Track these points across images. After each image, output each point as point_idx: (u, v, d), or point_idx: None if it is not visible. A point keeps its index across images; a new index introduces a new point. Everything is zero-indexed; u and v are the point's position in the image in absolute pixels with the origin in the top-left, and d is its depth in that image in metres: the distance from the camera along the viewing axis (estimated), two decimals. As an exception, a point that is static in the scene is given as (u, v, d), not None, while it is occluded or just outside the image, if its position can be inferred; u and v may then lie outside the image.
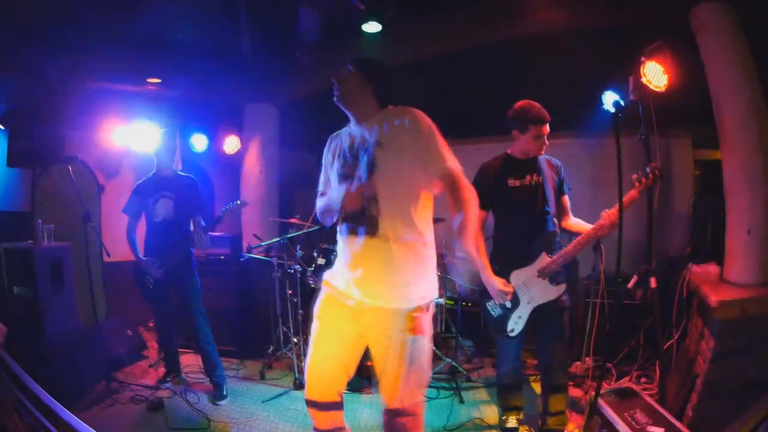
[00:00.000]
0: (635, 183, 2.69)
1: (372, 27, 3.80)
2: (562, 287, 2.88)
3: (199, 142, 4.64)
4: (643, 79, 3.23)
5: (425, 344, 2.14)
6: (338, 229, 2.24)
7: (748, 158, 2.98)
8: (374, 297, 2.11)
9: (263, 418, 3.46)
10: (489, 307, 2.95)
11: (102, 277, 4.64)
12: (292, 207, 5.25)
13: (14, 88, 3.85)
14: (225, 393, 3.75)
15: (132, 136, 4.28)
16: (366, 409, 3.59)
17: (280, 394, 3.82)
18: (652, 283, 3.25)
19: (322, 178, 2.39)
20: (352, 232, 2.15)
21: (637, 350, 3.64)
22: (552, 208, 2.91)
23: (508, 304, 2.87)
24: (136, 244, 3.74)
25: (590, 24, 3.53)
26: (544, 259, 2.85)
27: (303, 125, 4.90)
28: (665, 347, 3.32)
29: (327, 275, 2.32)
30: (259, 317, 4.65)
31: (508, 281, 2.83)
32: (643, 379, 3.47)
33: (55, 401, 2.42)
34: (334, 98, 2.23)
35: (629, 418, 2.71)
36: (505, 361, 3.11)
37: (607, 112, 3.59)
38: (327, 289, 2.27)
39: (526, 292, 2.87)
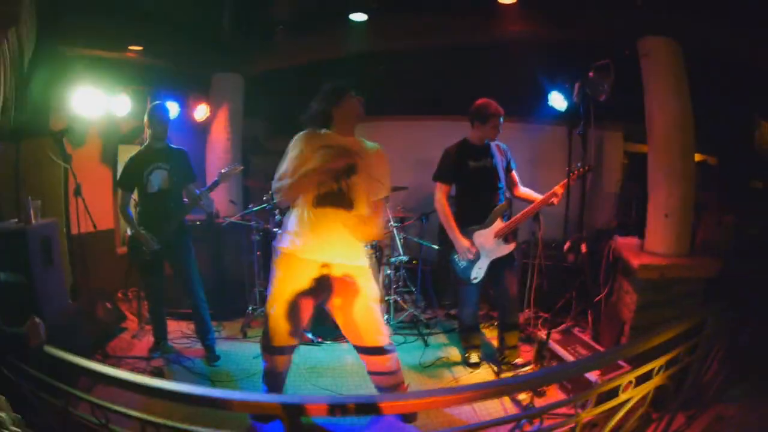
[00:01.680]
0: (572, 172, 3.57)
1: (359, 16, 4.03)
2: (513, 245, 3.77)
3: (171, 109, 4.58)
4: (587, 90, 3.92)
5: None
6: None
7: (670, 161, 3.77)
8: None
9: (259, 372, 3.64)
10: (456, 260, 3.72)
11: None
12: (251, 171, 5.43)
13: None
14: (218, 354, 4.02)
15: (102, 105, 4.15)
16: (348, 355, 4.04)
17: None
18: (583, 248, 4.13)
19: (287, 167, 2.71)
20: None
21: (570, 304, 4.45)
22: (503, 183, 3.78)
23: (472, 258, 3.62)
24: (132, 216, 3.79)
25: (550, 36, 4.09)
26: (498, 224, 3.66)
27: (264, 96, 5.02)
28: (596, 300, 4.18)
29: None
30: (234, 280, 4.89)
31: (471, 241, 3.63)
32: (576, 329, 4.26)
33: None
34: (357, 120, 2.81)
35: (573, 351, 3.57)
36: (467, 304, 3.92)
37: (550, 106, 4.31)
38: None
39: (486, 249, 3.66)
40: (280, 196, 2.75)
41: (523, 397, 3.28)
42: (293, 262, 2.76)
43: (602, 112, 3.97)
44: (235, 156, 5.19)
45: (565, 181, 3.57)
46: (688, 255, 3.81)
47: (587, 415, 1.83)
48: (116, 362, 3.86)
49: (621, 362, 3.00)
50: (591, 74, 3.86)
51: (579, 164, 3.71)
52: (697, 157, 4.15)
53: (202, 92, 4.95)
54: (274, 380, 2.99)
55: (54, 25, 3.64)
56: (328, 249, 2.72)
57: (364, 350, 2.91)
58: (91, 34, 3.85)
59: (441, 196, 3.68)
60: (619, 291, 4.09)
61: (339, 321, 2.91)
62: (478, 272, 3.68)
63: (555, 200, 3.60)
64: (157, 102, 3.88)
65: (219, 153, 5.17)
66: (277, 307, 2.79)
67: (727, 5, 3.31)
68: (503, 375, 3.80)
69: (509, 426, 1.88)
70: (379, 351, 2.88)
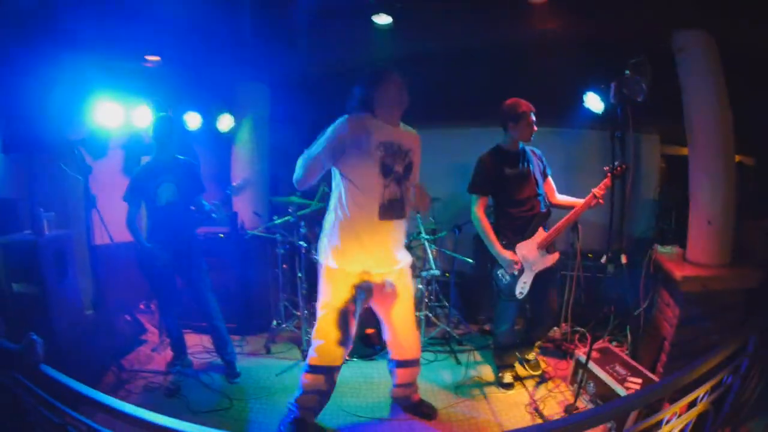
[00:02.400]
0: (608, 173, 3.28)
1: (382, 19, 3.91)
2: (556, 255, 3.57)
3: (193, 120, 4.52)
4: (624, 90, 3.71)
5: None
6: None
7: (711, 163, 3.56)
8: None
9: (282, 390, 3.62)
10: (500, 275, 3.50)
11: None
12: (277, 183, 5.32)
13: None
14: (238, 370, 3.88)
15: (122, 115, 4.10)
16: (374, 372, 3.92)
17: (291, 367, 4.01)
18: (623, 259, 3.88)
19: (325, 149, 2.60)
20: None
21: (607, 318, 4.19)
22: (542, 189, 3.55)
23: (516, 273, 3.41)
24: (138, 231, 3.69)
25: (582, 34, 3.91)
26: (541, 234, 3.47)
27: (291, 104, 4.93)
28: (635, 314, 3.93)
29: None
30: (258, 293, 4.75)
31: (515, 253, 3.43)
32: (614, 344, 4.04)
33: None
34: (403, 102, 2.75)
35: (611, 371, 3.31)
36: (505, 321, 3.66)
37: (584, 109, 4.11)
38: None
39: (529, 262, 3.46)
40: (305, 174, 2.68)
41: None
42: (342, 278, 2.75)
43: (638, 114, 3.75)
44: (262, 167, 5.11)
45: (605, 181, 3.30)
46: (731, 265, 3.57)
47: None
48: (133, 375, 3.79)
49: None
50: (628, 73, 3.65)
51: (616, 163, 3.37)
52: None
53: (226, 102, 4.88)
54: (313, 402, 2.97)
55: (70, 34, 3.65)
56: (378, 260, 2.76)
57: (403, 364, 2.97)
58: (109, 44, 3.80)
59: (478, 209, 3.45)
60: (659, 304, 3.84)
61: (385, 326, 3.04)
62: (523, 287, 3.49)
63: (599, 201, 3.35)
64: (162, 114, 3.82)
65: (244, 164, 5.09)
66: (328, 325, 2.79)
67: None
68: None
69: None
70: (415, 363, 3.00)
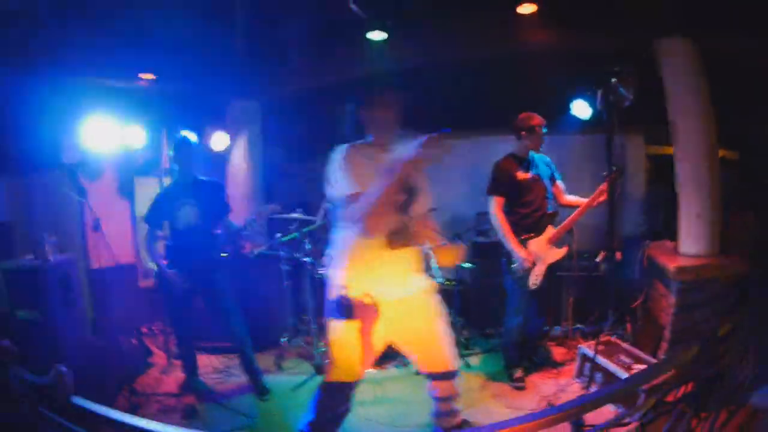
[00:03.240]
0: (606, 177, 3.57)
1: (377, 35, 4.00)
2: (565, 248, 3.92)
3: (220, 140, 4.53)
4: (611, 97, 3.94)
5: None
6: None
7: (697, 163, 3.84)
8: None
9: (298, 406, 3.46)
10: (514, 269, 3.80)
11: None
12: (273, 200, 5.31)
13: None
14: (267, 387, 3.85)
15: (115, 135, 4.06)
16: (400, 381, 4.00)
17: (305, 381, 4.01)
18: (618, 256, 4.08)
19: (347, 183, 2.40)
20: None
21: (606, 314, 4.33)
22: (550, 192, 3.91)
23: (530, 265, 3.76)
24: (157, 253, 3.65)
25: (569, 44, 4.14)
26: (550, 231, 3.83)
27: (284, 122, 4.97)
28: (633, 306, 4.15)
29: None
30: (264, 311, 4.70)
31: (528, 250, 3.77)
32: (615, 337, 4.20)
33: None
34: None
35: (617, 361, 3.48)
36: (518, 314, 3.87)
37: (571, 116, 4.33)
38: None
39: (540, 256, 3.80)
40: (358, 214, 2.37)
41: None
42: (354, 306, 2.53)
43: (622, 116, 3.99)
44: (257, 184, 5.11)
45: (604, 184, 3.60)
46: (720, 255, 3.84)
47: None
48: (145, 399, 3.72)
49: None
50: (614, 81, 3.89)
51: (613, 168, 3.63)
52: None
53: (219, 120, 4.87)
54: (326, 419, 2.70)
55: (62, 53, 3.60)
56: (390, 288, 2.55)
57: (437, 376, 2.73)
58: (102, 63, 3.77)
59: (497, 209, 3.80)
60: (655, 296, 4.05)
61: (406, 350, 2.76)
62: (536, 279, 3.79)
63: (603, 198, 3.69)
64: (182, 135, 3.75)
65: (240, 182, 5.09)
66: (339, 349, 2.60)
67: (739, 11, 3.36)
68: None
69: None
70: (452, 375, 2.73)
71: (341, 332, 2.57)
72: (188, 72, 4.30)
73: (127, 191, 4.80)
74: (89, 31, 3.58)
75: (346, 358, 2.58)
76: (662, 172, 4.28)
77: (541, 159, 3.96)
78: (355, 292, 2.51)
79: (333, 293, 2.59)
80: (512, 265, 3.80)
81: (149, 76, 4.22)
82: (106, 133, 4.00)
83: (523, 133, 3.82)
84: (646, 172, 5.21)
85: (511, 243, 3.74)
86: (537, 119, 3.82)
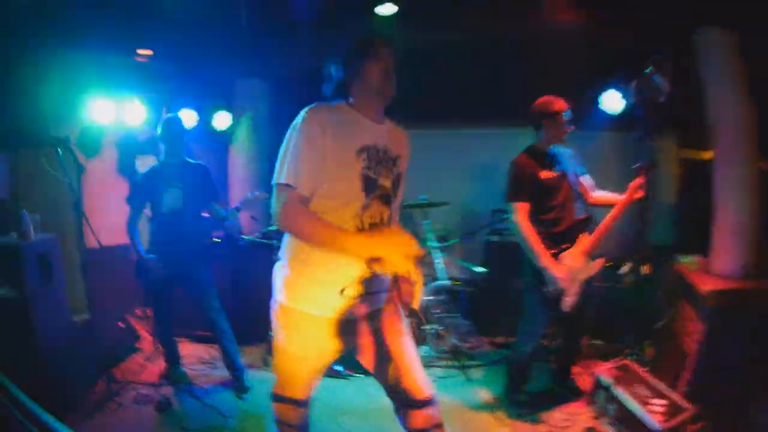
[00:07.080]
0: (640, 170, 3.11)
1: (387, 9, 3.70)
2: (601, 261, 3.24)
3: (189, 117, 4.34)
4: (647, 87, 3.48)
5: None
6: None
7: (738, 172, 3.32)
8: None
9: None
10: (549, 292, 3.09)
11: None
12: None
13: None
14: (248, 385, 3.67)
15: (116, 112, 3.94)
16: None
17: (289, 381, 3.80)
18: (646, 269, 3.63)
19: (305, 163, 1.85)
20: None
21: (627, 331, 3.97)
22: (578, 192, 3.28)
23: (567, 285, 3.07)
24: (138, 238, 3.49)
25: (600, 28, 3.66)
26: (585, 239, 3.17)
27: (293, 101, 4.72)
28: (657, 327, 3.69)
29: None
30: (254, 302, 4.49)
31: (562, 266, 3.08)
32: (631, 358, 3.75)
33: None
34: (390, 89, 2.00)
35: (632, 392, 3.06)
36: (532, 341, 3.32)
37: (600, 111, 3.86)
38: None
39: (575, 271, 3.11)
40: (287, 220, 1.87)
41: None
42: (305, 324, 2.05)
43: (653, 117, 3.54)
44: (260, 168, 4.88)
45: (639, 178, 3.13)
46: (757, 277, 3.30)
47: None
48: (122, 387, 3.61)
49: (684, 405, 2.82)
50: (648, 73, 3.43)
51: (647, 160, 3.24)
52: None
53: (224, 99, 4.69)
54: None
55: (61, 26, 3.47)
56: (352, 300, 1.98)
57: (416, 405, 2.09)
58: (101, 37, 3.61)
59: (522, 217, 3.09)
60: (682, 318, 3.58)
61: (378, 376, 2.17)
62: (571, 299, 3.13)
63: (641, 193, 3.16)
64: (171, 114, 3.59)
65: (242, 164, 4.89)
66: (286, 363, 2.21)
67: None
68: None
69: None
70: (431, 402, 2.09)
71: (287, 348, 2.17)
72: (191, 47, 4.11)
73: (127, 170, 4.67)
74: (90, 2, 3.45)
75: (291, 375, 2.23)
76: (695, 178, 3.73)
77: (564, 152, 3.31)
78: (304, 305, 2.03)
79: (275, 307, 2.16)
80: (546, 289, 3.07)
81: (147, 52, 4.05)
82: (103, 109, 3.89)
83: (545, 121, 3.17)
84: (677, 178, 4.66)
85: (542, 259, 3.02)
86: (560, 103, 3.16)
